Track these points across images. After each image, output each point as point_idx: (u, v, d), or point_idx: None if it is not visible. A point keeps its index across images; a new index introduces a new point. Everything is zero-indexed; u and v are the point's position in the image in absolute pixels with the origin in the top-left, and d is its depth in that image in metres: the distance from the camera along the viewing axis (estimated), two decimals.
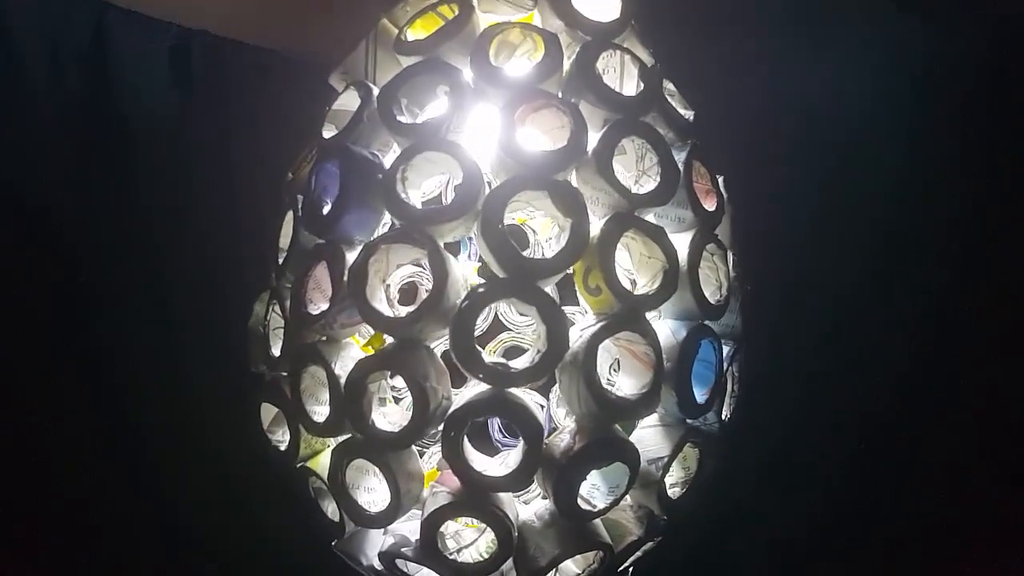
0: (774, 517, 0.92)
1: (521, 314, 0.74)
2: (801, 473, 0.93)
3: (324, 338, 0.72)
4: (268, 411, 0.78)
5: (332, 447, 0.70)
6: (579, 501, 0.69)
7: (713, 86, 0.86)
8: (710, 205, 0.76)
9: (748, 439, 0.84)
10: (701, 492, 0.78)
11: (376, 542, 0.75)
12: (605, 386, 0.66)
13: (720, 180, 0.81)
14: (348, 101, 0.78)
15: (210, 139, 1.00)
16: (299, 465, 0.76)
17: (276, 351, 0.76)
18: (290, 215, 0.77)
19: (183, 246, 0.99)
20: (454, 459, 0.65)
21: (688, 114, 0.79)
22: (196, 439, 0.89)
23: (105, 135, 1.03)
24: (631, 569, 0.83)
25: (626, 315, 0.67)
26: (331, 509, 0.76)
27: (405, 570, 0.74)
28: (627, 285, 0.68)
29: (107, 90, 1.04)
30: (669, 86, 0.80)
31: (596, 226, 0.68)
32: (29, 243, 0.96)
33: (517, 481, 0.65)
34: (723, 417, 0.77)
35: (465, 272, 0.69)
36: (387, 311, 0.66)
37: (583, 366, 0.64)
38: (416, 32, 0.77)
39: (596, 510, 0.69)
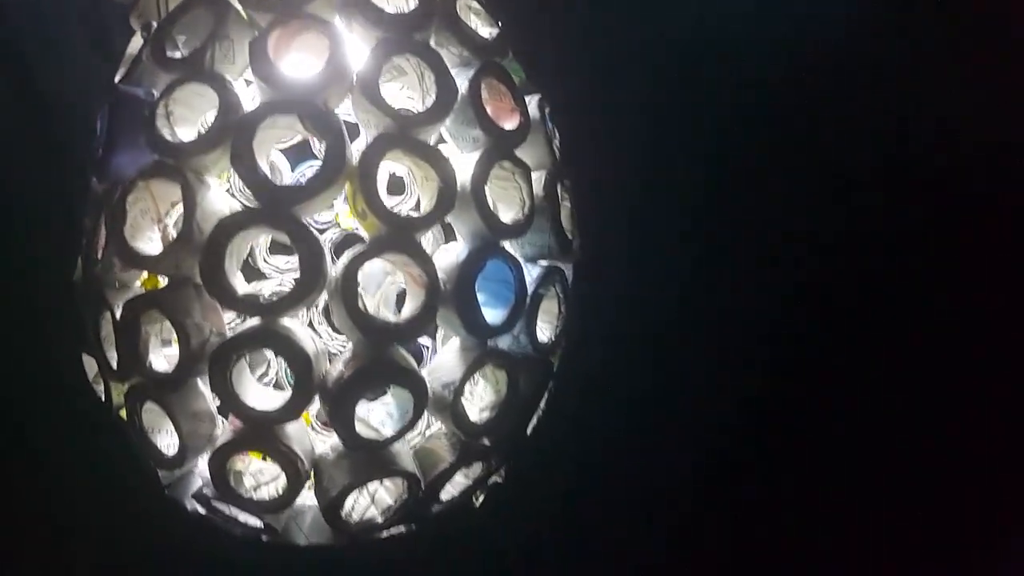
0: (621, 443, 0.90)
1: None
2: (646, 398, 0.91)
3: (117, 285, 0.71)
4: (92, 363, 0.78)
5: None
6: (367, 431, 0.68)
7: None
8: (509, 124, 0.73)
9: (588, 364, 0.82)
10: (521, 414, 0.76)
11: (195, 486, 0.75)
12: (372, 311, 0.64)
13: (533, 99, 0.79)
14: (136, 43, 0.76)
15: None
16: (116, 415, 0.75)
17: None
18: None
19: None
20: (223, 394, 0.64)
21: (491, 32, 0.76)
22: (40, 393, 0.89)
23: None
24: (479, 500, 0.82)
25: (392, 237, 0.65)
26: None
27: (227, 511, 0.74)
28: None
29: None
30: (473, 3, 0.77)
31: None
32: None
33: (288, 412, 0.65)
34: (539, 339, 0.75)
35: (233, 206, 0.67)
36: (148, 250, 0.65)
37: (343, 291, 0.63)
38: None
39: (383, 439, 0.67)
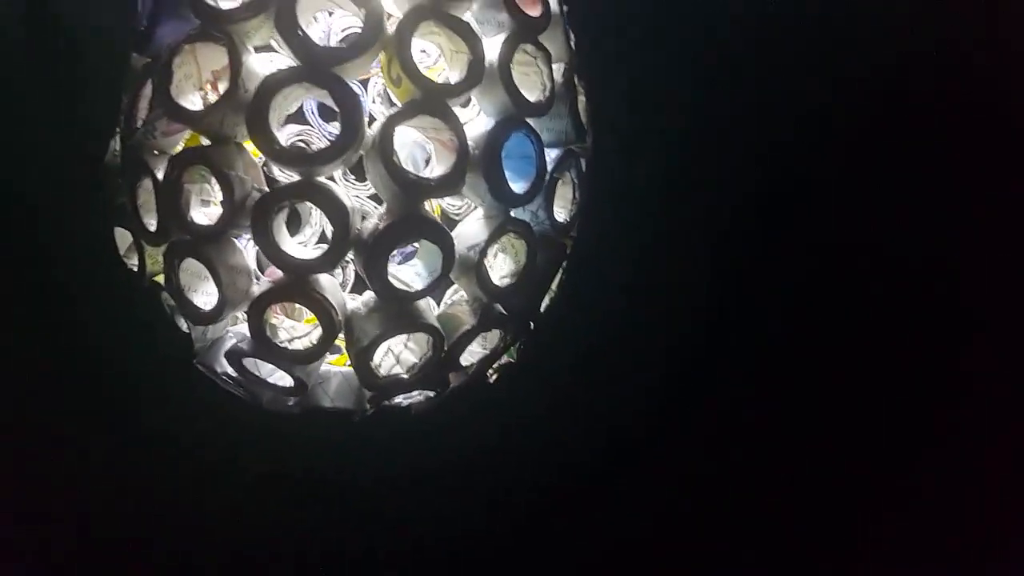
0: (628, 328, 0.96)
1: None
2: (652, 287, 0.97)
3: (156, 152, 0.75)
4: (124, 238, 0.82)
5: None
6: (399, 284, 0.72)
7: None
8: (533, 12, 0.78)
9: (602, 250, 0.87)
10: (537, 287, 0.81)
11: (227, 348, 0.79)
12: (404, 166, 0.68)
13: None
14: None
15: None
16: (149, 283, 0.79)
17: None
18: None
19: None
20: (265, 244, 0.68)
21: None
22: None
23: None
24: (493, 378, 0.86)
25: (426, 102, 0.69)
26: (184, 324, 0.80)
27: (256, 373, 0.78)
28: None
29: None
30: None
31: None
32: None
33: (326, 262, 0.69)
34: (556, 217, 0.80)
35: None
36: (192, 107, 0.69)
37: (380, 149, 0.67)
38: None
39: (413, 291, 0.72)
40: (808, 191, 0.97)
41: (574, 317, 0.89)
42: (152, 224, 0.75)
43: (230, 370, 0.79)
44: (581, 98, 0.84)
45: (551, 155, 0.80)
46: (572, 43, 0.84)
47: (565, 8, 0.84)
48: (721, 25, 0.97)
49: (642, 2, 0.98)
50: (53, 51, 0.90)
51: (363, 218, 0.72)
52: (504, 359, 0.86)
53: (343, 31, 0.80)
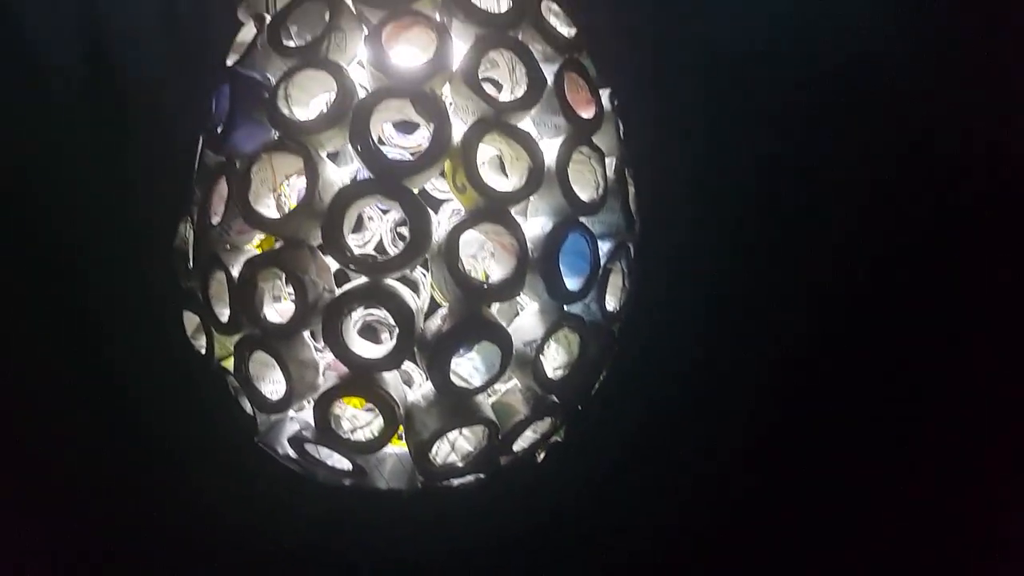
0: (687, 413, 0.98)
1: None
2: (707, 370, 0.99)
3: (228, 247, 0.79)
4: (191, 320, 0.86)
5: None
6: (458, 380, 0.76)
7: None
8: (587, 113, 0.81)
9: (648, 334, 0.90)
10: (588, 376, 0.84)
11: (289, 431, 0.83)
12: (469, 272, 0.72)
13: (605, 93, 0.87)
14: (248, 32, 0.85)
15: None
16: (217, 367, 0.83)
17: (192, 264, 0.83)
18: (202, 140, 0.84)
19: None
20: (334, 343, 0.72)
21: (569, 31, 0.84)
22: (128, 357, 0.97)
23: None
24: (540, 456, 0.90)
25: (489, 209, 0.73)
26: (249, 406, 0.84)
27: (316, 455, 0.82)
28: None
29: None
30: (553, 6, 0.85)
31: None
32: None
33: (392, 360, 0.73)
34: (607, 308, 0.83)
35: (344, 178, 0.75)
36: (269, 214, 0.73)
37: (446, 255, 0.71)
38: None
39: (472, 387, 0.75)
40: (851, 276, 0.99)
41: (621, 397, 0.92)
42: (224, 315, 0.79)
43: (292, 452, 0.82)
44: (631, 189, 0.88)
45: (603, 247, 0.83)
46: (621, 133, 0.87)
47: (615, 102, 0.88)
48: (763, 107, 1.00)
49: (690, 88, 1.01)
50: (122, 143, 0.95)
51: (426, 318, 0.75)
52: (552, 438, 0.89)
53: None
